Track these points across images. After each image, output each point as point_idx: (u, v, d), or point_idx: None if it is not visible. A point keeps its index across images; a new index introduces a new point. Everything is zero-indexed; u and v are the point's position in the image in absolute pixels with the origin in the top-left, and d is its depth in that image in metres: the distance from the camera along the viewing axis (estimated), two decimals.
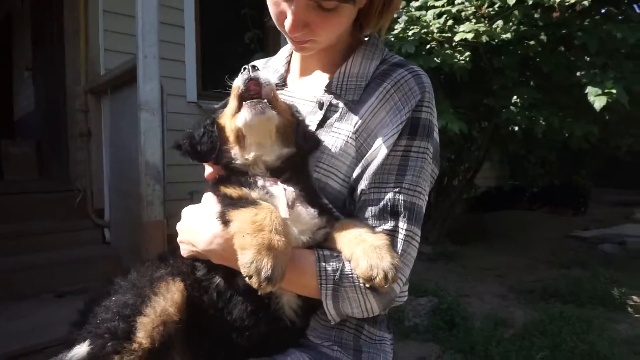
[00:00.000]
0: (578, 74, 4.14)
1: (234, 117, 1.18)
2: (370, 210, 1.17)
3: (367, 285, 1.08)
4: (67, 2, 5.50)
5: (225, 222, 1.07)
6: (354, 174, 1.22)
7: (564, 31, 3.87)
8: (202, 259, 1.20)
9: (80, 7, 5.00)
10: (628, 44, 3.61)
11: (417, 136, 1.18)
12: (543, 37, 3.90)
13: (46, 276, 4.51)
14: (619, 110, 3.90)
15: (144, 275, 1.23)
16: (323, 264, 1.11)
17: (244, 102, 1.14)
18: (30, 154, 6.57)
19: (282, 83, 1.43)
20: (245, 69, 1.16)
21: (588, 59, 3.92)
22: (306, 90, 1.37)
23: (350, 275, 1.09)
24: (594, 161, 8.88)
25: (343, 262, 1.11)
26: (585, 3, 3.28)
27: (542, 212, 9.35)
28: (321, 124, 1.27)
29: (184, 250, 1.24)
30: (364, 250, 1.07)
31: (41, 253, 4.74)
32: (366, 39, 1.37)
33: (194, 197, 5.06)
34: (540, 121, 4.17)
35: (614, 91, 3.38)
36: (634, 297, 4.72)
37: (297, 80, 1.42)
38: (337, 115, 1.26)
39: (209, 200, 1.21)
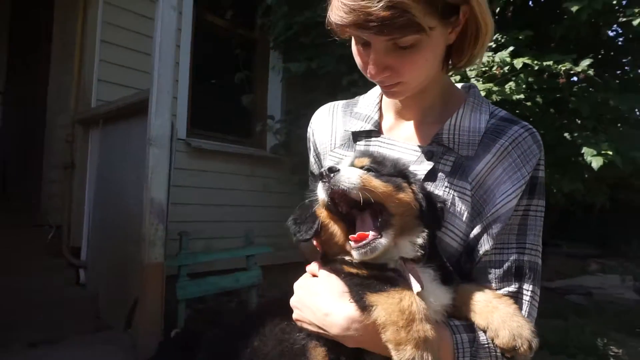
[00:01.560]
0: (566, 134, 4.48)
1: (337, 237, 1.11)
2: (494, 272, 1.17)
3: (508, 356, 1.06)
4: (57, 29, 5.29)
5: (364, 307, 1.01)
6: (473, 232, 1.20)
7: (558, 95, 4.20)
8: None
9: (77, 35, 4.82)
10: (618, 111, 3.99)
11: (536, 195, 1.20)
12: (539, 99, 4.21)
13: (14, 322, 4.04)
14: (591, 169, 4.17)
15: (285, 340, 1.15)
16: (458, 336, 1.08)
17: (349, 243, 1.06)
18: None
19: (377, 130, 1.38)
20: (322, 175, 1.05)
21: (579, 121, 4.27)
22: (406, 138, 1.33)
23: (487, 346, 1.07)
24: (551, 215, 9.42)
25: (476, 332, 1.08)
26: (590, 72, 3.61)
27: None
28: (430, 176, 1.23)
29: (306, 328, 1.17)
30: (501, 319, 1.05)
31: (6, 295, 4.25)
32: (458, 84, 1.37)
33: (183, 239, 4.83)
34: None
35: (610, 152, 3.68)
36: (613, 348, 4.94)
37: (394, 127, 1.38)
38: (448, 168, 1.23)
39: (328, 277, 1.14)
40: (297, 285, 1.20)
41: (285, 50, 6.17)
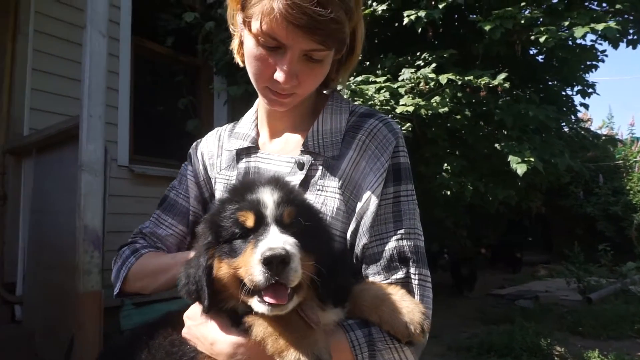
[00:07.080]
0: (496, 145, 4.74)
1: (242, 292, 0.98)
2: (378, 264, 1.18)
3: (404, 342, 1.08)
4: None
5: (244, 329, 1.02)
6: (350, 229, 1.23)
7: (484, 108, 4.46)
8: None
9: (6, 64, 4.71)
10: (537, 121, 4.27)
11: (402, 180, 1.23)
12: (467, 112, 4.45)
13: None
14: (526, 177, 4.44)
15: (174, 353, 1.14)
16: (352, 333, 1.08)
17: (256, 300, 0.97)
18: None
19: (255, 146, 1.41)
20: (269, 263, 0.91)
21: (505, 132, 4.53)
22: (280, 151, 1.36)
23: (383, 338, 1.09)
24: (499, 224, 9.77)
25: (370, 327, 1.10)
26: (506, 85, 3.86)
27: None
28: (304, 184, 1.26)
29: None
30: (391, 310, 1.07)
31: None
32: (324, 92, 1.41)
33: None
34: (469, 186, 4.63)
35: (532, 159, 3.92)
36: (557, 347, 5.13)
37: (268, 143, 1.42)
38: (319, 173, 1.26)
39: None
40: (186, 316, 1.17)
41: (228, 74, 6.25)
